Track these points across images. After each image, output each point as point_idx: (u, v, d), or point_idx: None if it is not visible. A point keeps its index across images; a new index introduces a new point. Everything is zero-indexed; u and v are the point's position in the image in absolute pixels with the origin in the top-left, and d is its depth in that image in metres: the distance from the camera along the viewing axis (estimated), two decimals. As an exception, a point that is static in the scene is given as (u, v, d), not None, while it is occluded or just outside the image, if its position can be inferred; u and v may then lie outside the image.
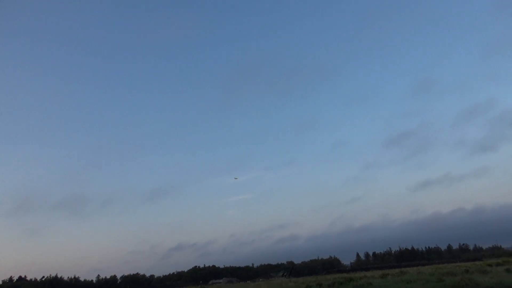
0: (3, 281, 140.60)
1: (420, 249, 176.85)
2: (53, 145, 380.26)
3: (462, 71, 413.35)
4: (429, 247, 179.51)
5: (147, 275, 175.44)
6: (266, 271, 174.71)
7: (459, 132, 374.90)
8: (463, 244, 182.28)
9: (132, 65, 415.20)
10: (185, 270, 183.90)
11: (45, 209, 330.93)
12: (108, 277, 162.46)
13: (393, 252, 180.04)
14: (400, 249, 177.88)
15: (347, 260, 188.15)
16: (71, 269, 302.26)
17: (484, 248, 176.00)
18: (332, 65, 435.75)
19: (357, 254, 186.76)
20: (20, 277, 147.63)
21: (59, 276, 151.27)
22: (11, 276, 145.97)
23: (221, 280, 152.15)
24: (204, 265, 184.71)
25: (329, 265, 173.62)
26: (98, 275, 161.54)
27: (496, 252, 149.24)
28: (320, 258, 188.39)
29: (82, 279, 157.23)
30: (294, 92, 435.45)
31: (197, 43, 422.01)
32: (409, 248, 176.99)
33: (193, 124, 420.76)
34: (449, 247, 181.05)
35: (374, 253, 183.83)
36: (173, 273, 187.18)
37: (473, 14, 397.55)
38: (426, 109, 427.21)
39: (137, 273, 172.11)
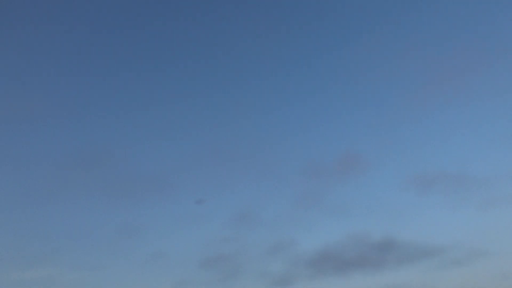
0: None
1: None
2: None
3: (276, 211, 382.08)
4: None
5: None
6: None
7: (265, 264, 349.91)
8: None
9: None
10: None
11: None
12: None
13: None
14: None
15: None
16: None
17: None
18: (166, 179, 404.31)
19: None
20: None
21: None
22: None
23: None
24: None
25: None
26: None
27: None
28: None
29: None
30: (124, 198, 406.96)
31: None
32: None
33: None
34: None
35: None
36: None
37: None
38: (243, 237, 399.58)
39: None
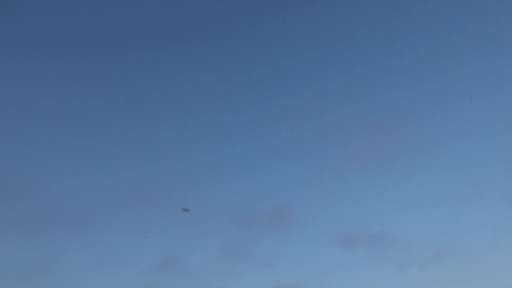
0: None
1: None
2: None
3: (203, 259, 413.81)
4: None
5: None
6: None
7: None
8: None
9: None
10: None
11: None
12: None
13: None
14: None
15: None
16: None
17: None
18: (91, 218, 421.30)
19: None
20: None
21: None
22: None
23: None
24: None
25: None
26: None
27: None
28: None
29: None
30: (41, 234, 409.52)
31: None
32: None
33: None
34: None
35: None
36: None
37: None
38: (167, 285, 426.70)
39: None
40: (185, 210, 75.35)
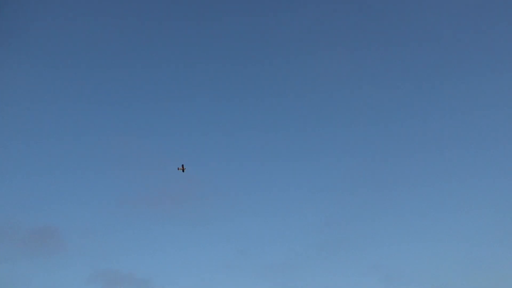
0: None
1: None
2: None
3: None
4: None
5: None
6: None
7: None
8: None
9: None
10: None
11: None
12: None
13: None
14: None
15: None
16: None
17: None
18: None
19: None
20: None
21: None
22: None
23: None
24: None
25: None
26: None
27: None
28: None
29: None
30: None
31: None
32: None
33: None
34: None
35: None
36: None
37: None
38: None
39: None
40: (181, 168, 74.65)
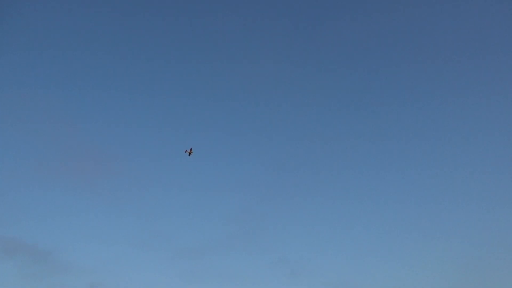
0: None
1: None
2: None
3: None
4: None
5: None
6: None
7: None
8: None
9: None
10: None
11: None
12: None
13: None
14: None
15: None
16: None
17: None
18: None
19: None
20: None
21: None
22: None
23: None
24: None
25: None
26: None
27: None
28: None
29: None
30: None
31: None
32: None
33: None
34: None
35: None
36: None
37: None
38: None
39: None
40: (189, 152, 74.12)
